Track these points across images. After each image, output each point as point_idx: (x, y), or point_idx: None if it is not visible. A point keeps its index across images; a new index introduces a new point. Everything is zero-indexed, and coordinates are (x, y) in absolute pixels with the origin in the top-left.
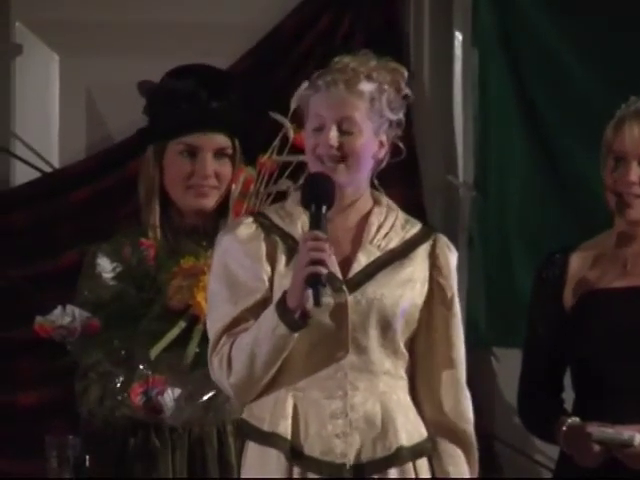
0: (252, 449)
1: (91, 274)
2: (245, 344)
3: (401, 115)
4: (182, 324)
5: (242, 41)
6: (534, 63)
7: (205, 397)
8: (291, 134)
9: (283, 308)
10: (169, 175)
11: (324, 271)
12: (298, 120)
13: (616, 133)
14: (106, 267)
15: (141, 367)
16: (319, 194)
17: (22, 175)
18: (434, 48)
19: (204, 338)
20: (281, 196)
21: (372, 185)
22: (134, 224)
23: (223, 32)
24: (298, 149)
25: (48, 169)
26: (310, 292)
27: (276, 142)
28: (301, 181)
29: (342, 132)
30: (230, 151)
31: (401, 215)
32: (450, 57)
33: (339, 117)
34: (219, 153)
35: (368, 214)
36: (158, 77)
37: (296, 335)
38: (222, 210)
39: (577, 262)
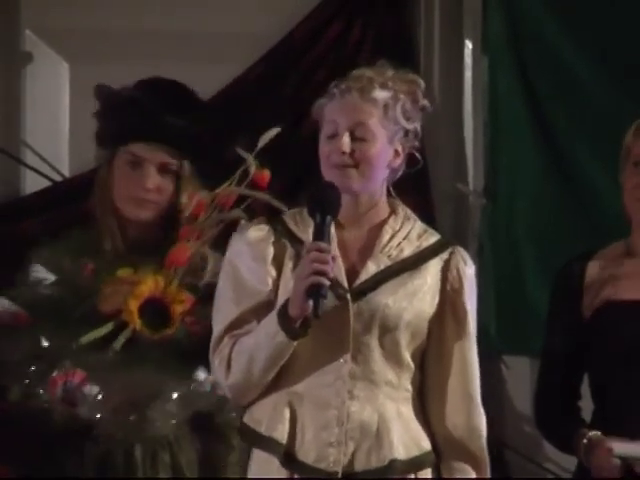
0: (257, 454)
1: (27, 279)
2: (245, 347)
3: (417, 125)
4: (110, 325)
5: (254, 48)
6: (544, 71)
7: (120, 401)
8: (252, 170)
9: (284, 316)
10: (115, 183)
11: (326, 283)
12: (262, 158)
13: (636, 138)
14: (42, 274)
15: (63, 360)
16: (324, 204)
17: (32, 184)
18: (444, 56)
19: (130, 341)
20: (232, 225)
21: (389, 194)
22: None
23: (235, 39)
24: (257, 186)
25: (58, 178)
26: (310, 303)
27: (237, 175)
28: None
29: (355, 138)
30: (174, 167)
31: (418, 225)
32: (460, 65)
33: (352, 123)
34: (163, 168)
35: (383, 223)
36: None
37: (295, 343)
38: (167, 224)
39: (595, 271)
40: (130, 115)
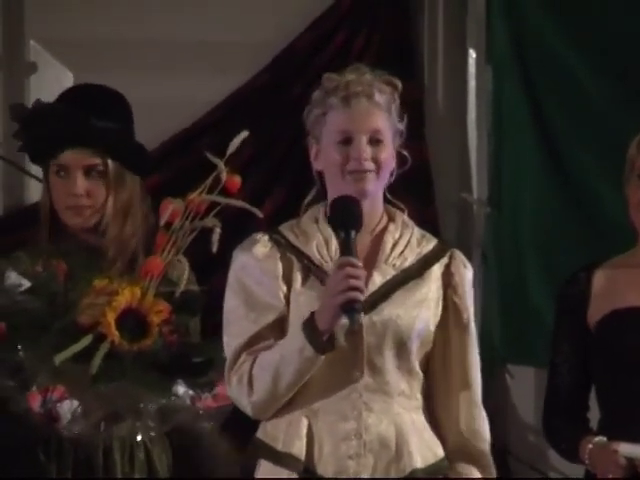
0: (264, 467)
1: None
2: (268, 363)
3: (403, 125)
4: (89, 338)
5: (258, 58)
6: (548, 80)
7: (100, 415)
8: (224, 176)
9: (311, 330)
10: (52, 196)
11: (361, 298)
12: (232, 164)
13: (639, 150)
14: (15, 280)
15: (42, 375)
16: (347, 219)
17: (36, 193)
18: (448, 65)
19: (109, 355)
20: (206, 232)
21: (386, 200)
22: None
23: (239, 49)
24: (228, 192)
25: None
26: (345, 318)
27: (208, 181)
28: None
29: (372, 143)
30: (101, 168)
31: (416, 231)
32: (464, 74)
33: (369, 129)
34: (89, 171)
35: (383, 232)
36: (172, 94)
37: (323, 358)
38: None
39: (601, 279)
40: (51, 126)
